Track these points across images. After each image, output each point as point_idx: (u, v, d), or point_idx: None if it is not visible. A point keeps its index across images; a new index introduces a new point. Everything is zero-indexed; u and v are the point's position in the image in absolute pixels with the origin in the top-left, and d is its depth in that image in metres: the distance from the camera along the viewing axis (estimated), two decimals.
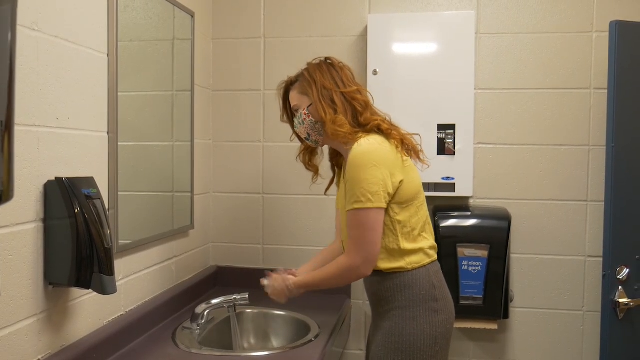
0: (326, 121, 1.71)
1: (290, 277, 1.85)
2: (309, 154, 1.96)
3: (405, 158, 1.71)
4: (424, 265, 1.71)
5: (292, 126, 1.92)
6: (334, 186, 2.00)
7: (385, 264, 1.70)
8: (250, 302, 2.03)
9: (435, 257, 1.78)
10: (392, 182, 1.64)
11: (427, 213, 1.79)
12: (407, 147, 1.75)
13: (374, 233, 1.65)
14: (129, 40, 1.85)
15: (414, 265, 1.69)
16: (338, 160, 1.95)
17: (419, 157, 1.78)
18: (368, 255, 1.66)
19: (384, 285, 1.72)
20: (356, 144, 1.66)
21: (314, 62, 1.83)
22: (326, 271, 1.76)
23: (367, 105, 1.76)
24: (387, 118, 1.79)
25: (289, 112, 1.92)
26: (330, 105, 1.73)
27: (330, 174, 1.99)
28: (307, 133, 1.82)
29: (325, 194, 2.03)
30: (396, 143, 1.69)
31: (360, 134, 1.70)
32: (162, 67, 2.13)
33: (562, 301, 2.44)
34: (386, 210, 1.66)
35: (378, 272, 1.72)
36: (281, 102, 1.94)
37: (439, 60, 2.39)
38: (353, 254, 1.67)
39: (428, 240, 1.75)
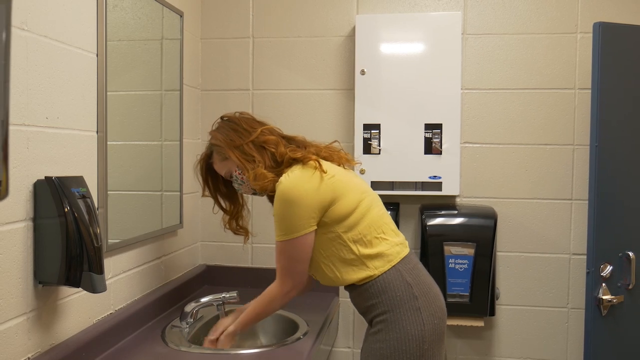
0: (250, 180, 1.75)
1: (228, 327, 1.85)
2: (234, 220, 1.99)
3: (330, 175, 1.68)
4: (393, 266, 1.68)
5: (215, 199, 1.97)
6: None
7: (353, 275, 1.69)
8: (239, 301, 2.04)
9: (404, 252, 1.73)
10: (322, 206, 1.65)
11: (381, 212, 1.76)
12: (333, 159, 1.78)
13: (301, 263, 1.72)
14: (118, 39, 1.85)
15: (381, 269, 1.67)
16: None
17: (349, 162, 1.82)
18: (296, 283, 1.75)
19: (363, 297, 1.70)
20: (278, 182, 1.68)
21: (213, 127, 1.87)
22: (259, 303, 1.82)
23: (278, 142, 1.77)
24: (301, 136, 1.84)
25: (211, 186, 1.97)
26: (248, 160, 1.75)
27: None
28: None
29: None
30: (315, 165, 1.68)
31: (283, 171, 1.71)
32: (151, 66, 2.13)
33: (547, 298, 2.48)
34: (325, 228, 1.68)
35: (352, 286, 1.72)
36: (201, 179, 1.97)
37: (426, 60, 2.41)
38: (283, 281, 1.75)
39: (387, 241, 1.71)
